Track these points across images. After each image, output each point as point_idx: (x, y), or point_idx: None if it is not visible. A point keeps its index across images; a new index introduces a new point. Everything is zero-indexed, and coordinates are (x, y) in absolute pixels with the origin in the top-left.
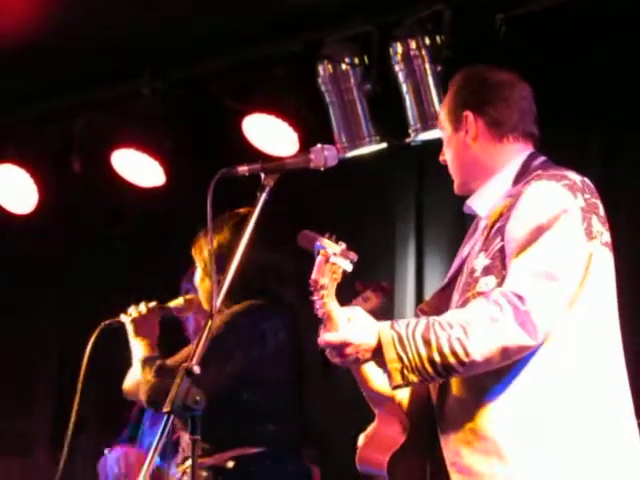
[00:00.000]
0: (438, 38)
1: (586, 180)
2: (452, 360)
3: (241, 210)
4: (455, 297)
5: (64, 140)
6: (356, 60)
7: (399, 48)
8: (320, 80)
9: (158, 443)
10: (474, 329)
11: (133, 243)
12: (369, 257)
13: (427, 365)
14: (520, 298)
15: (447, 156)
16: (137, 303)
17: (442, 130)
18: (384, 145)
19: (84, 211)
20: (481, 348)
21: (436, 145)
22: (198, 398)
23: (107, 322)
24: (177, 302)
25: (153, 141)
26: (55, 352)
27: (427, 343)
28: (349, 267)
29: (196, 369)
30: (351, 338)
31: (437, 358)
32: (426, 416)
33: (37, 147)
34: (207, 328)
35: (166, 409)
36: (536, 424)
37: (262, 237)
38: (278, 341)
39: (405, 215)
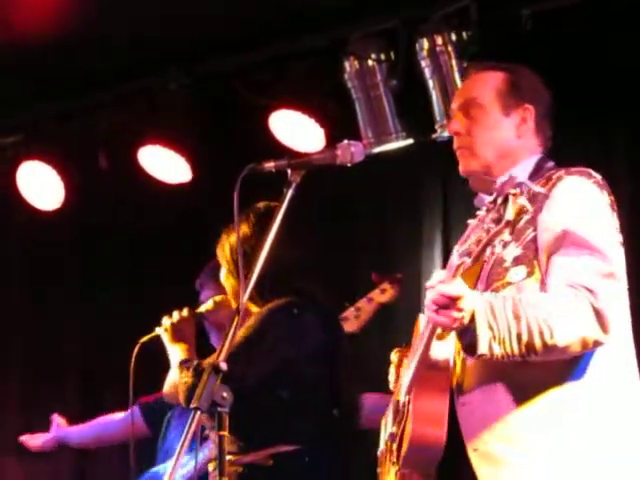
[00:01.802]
0: (464, 34)
1: (604, 180)
2: (537, 340)
3: (260, 205)
4: (478, 285)
5: (91, 136)
6: (382, 56)
7: (425, 44)
8: (346, 76)
9: (185, 440)
10: (560, 315)
11: (159, 239)
12: (396, 252)
13: (514, 339)
14: (593, 293)
15: (478, 134)
16: (170, 313)
17: (474, 106)
18: (410, 141)
19: (110, 207)
20: (565, 334)
21: None
22: (225, 395)
23: (144, 339)
24: (207, 306)
25: (180, 137)
26: (81, 346)
27: (517, 318)
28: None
29: (223, 366)
30: (466, 293)
31: (524, 335)
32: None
33: (64, 144)
34: (234, 325)
35: (193, 405)
36: (562, 417)
37: (289, 234)
38: (316, 338)
39: (431, 210)
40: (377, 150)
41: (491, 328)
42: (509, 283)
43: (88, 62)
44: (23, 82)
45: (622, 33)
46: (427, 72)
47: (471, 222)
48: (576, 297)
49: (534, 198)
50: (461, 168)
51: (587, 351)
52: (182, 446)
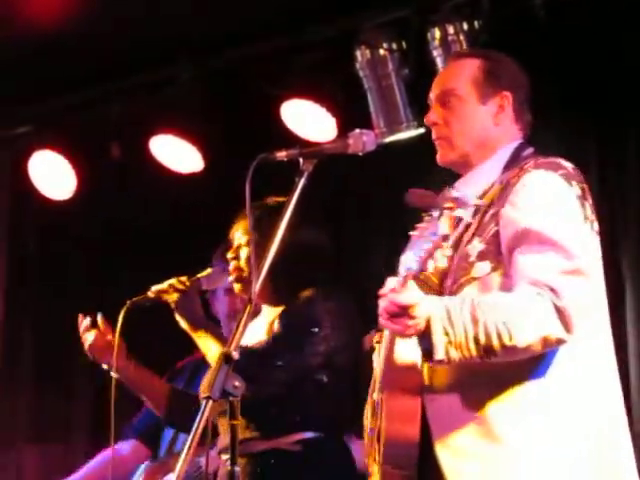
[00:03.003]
0: (476, 23)
1: (577, 168)
2: (495, 342)
3: (270, 200)
4: (448, 279)
5: (102, 126)
6: (394, 45)
7: (437, 33)
8: (358, 65)
9: (197, 429)
10: (519, 315)
11: (171, 229)
12: (404, 244)
13: (471, 344)
14: (554, 292)
15: (454, 125)
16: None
17: (450, 96)
18: (422, 130)
19: (122, 197)
20: (524, 335)
21: None
22: (237, 383)
23: (134, 299)
24: (205, 272)
25: (191, 127)
26: None
27: (475, 322)
28: (469, 218)
29: (235, 355)
30: (419, 300)
31: (482, 338)
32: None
33: (76, 134)
34: (246, 313)
35: (204, 395)
36: (533, 409)
37: (305, 223)
38: (353, 326)
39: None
40: (389, 139)
41: (447, 333)
42: (474, 278)
43: (100, 52)
44: (35, 72)
45: (635, 23)
46: (439, 61)
47: (412, 234)
48: (538, 296)
49: (504, 190)
50: (439, 159)
51: (550, 349)
52: (194, 437)
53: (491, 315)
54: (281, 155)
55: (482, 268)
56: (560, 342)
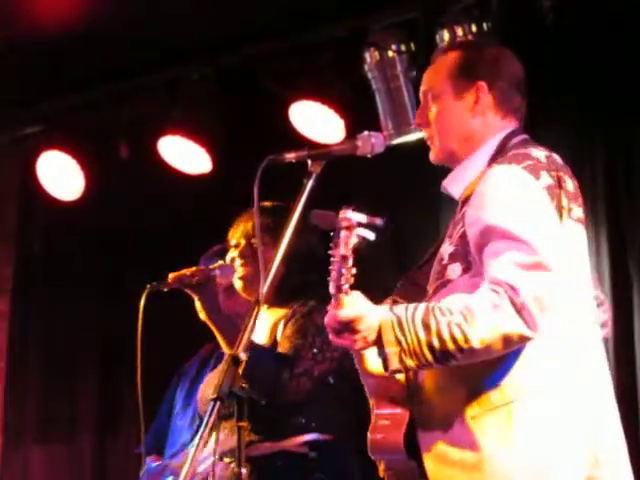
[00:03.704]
0: (485, 25)
1: (553, 155)
2: (451, 346)
3: (267, 203)
4: (429, 284)
5: (110, 127)
6: (403, 47)
7: (446, 35)
8: (366, 67)
9: (204, 431)
10: (474, 316)
11: (178, 230)
12: (411, 246)
13: (426, 350)
14: (514, 289)
15: (435, 124)
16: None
17: (430, 96)
18: None
19: (130, 198)
20: (481, 335)
21: None
22: (244, 385)
23: (154, 284)
24: (216, 264)
25: (200, 128)
26: (100, 338)
27: (427, 328)
28: (372, 237)
29: (242, 356)
30: (363, 313)
31: (436, 343)
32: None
33: (84, 134)
34: (253, 316)
35: (212, 396)
36: (512, 414)
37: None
38: None
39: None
40: (397, 141)
41: (399, 342)
42: (449, 281)
43: (109, 53)
44: (44, 72)
45: None
46: None
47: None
48: (494, 294)
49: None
50: (430, 158)
51: (515, 347)
52: (202, 439)
53: (444, 319)
54: (289, 156)
55: (454, 270)
56: (523, 339)
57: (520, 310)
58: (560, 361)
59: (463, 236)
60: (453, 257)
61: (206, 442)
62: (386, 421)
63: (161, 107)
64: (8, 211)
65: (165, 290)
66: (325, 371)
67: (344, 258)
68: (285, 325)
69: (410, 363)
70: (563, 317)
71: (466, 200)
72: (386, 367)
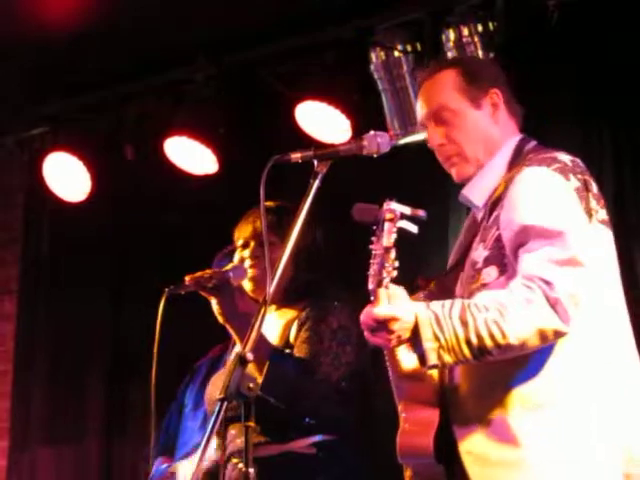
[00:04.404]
0: (491, 25)
1: (577, 160)
2: (489, 342)
3: (271, 203)
4: (458, 289)
5: (117, 128)
6: (409, 47)
7: (451, 35)
8: (372, 67)
9: (212, 431)
10: (510, 312)
11: (185, 231)
12: (421, 247)
13: (463, 346)
14: (548, 284)
15: (462, 139)
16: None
17: (445, 114)
18: None
19: (136, 199)
20: (518, 331)
21: None
22: (252, 385)
23: (172, 288)
24: (231, 266)
25: (206, 128)
26: (108, 339)
27: (464, 324)
28: (415, 229)
29: (249, 356)
30: (398, 313)
31: (474, 339)
32: (441, 399)
33: (90, 135)
34: (260, 315)
35: (219, 396)
36: (551, 412)
37: (317, 227)
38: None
39: (457, 205)
40: (403, 141)
41: (437, 338)
42: (483, 285)
43: (115, 54)
44: (50, 73)
45: None
46: None
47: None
48: (528, 290)
49: (506, 190)
50: (456, 176)
51: (550, 342)
52: (209, 439)
53: (481, 315)
54: (295, 156)
55: (489, 273)
56: (558, 334)
57: (554, 305)
58: (594, 358)
59: (498, 239)
60: (488, 261)
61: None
62: (415, 425)
63: (167, 108)
64: (14, 212)
65: (182, 293)
66: (341, 376)
67: (387, 250)
68: (299, 328)
69: (448, 359)
70: (596, 314)
71: (494, 205)
72: (423, 363)
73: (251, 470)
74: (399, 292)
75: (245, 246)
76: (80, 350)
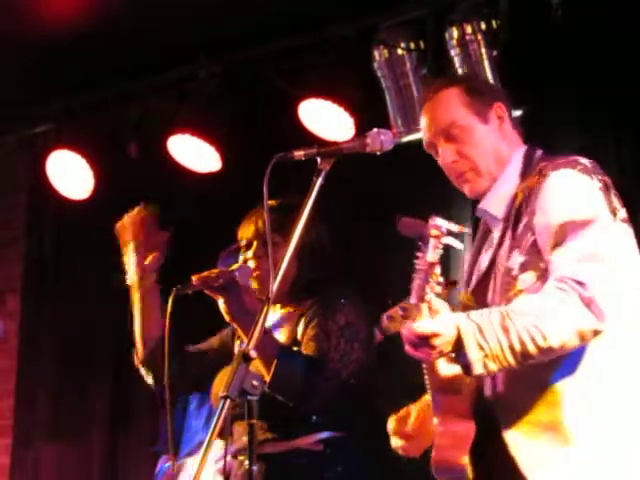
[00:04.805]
0: (494, 22)
1: (594, 162)
2: (531, 346)
3: (274, 202)
4: (489, 297)
5: (120, 126)
6: (412, 45)
7: (455, 33)
8: (376, 65)
9: (214, 429)
10: (548, 315)
11: (189, 228)
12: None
13: (507, 353)
14: (581, 284)
15: (475, 154)
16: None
17: (455, 130)
18: None
19: (140, 196)
20: (557, 333)
21: None
22: (255, 383)
23: (179, 287)
24: (237, 266)
25: (209, 126)
26: (111, 336)
27: (506, 331)
28: (461, 246)
29: (253, 354)
30: (439, 329)
31: (517, 345)
32: (479, 409)
33: (93, 133)
34: (263, 313)
35: (222, 394)
36: (602, 408)
37: (321, 225)
38: (371, 328)
39: (460, 202)
40: (407, 139)
41: (482, 348)
42: (521, 291)
43: (119, 52)
44: (53, 72)
45: None
46: (457, 61)
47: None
48: (563, 292)
49: (528, 198)
50: (470, 192)
51: (588, 341)
52: (211, 437)
53: (521, 321)
54: (299, 154)
55: (526, 279)
56: (596, 333)
57: (589, 304)
58: (632, 351)
59: (534, 244)
60: (524, 267)
61: (216, 440)
62: (449, 440)
63: (170, 106)
64: (18, 210)
65: (190, 292)
66: (350, 374)
67: (432, 266)
68: (306, 326)
69: (492, 367)
70: (628, 309)
71: (519, 213)
72: (469, 373)
73: (255, 467)
74: (441, 306)
75: (248, 246)
76: (83, 348)
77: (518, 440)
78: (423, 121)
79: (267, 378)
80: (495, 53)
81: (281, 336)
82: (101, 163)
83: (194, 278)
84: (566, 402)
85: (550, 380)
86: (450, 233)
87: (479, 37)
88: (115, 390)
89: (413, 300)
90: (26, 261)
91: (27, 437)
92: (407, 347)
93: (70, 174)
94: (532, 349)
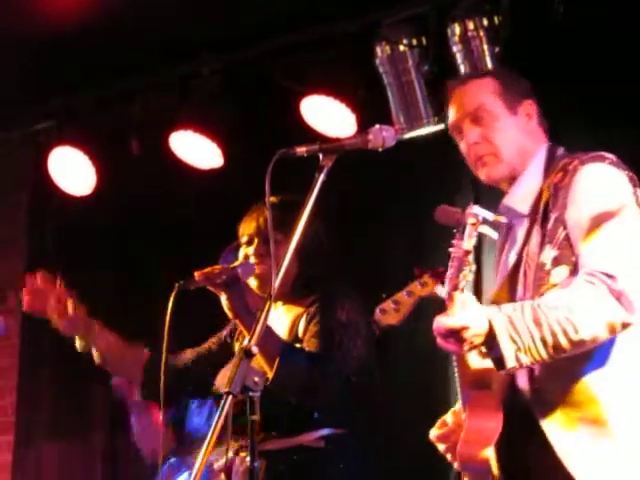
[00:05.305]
0: (496, 19)
1: (618, 158)
2: (563, 340)
3: (275, 199)
4: (520, 293)
5: (122, 122)
6: (414, 41)
7: (457, 29)
8: (378, 61)
9: (217, 425)
10: (579, 308)
11: (191, 225)
12: (426, 241)
13: (539, 346)
14: (611, 277)
15: (499, 140)
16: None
17: (483, 113)
18: (442, 126)
19: (142, 193)
20: (589, 326)
21: None
22: (257, 379)
23: (182, 282)
24: (238, 262)
25: (211, 123)
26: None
27: (538, 324)
28: (496, 235)
29: (255, 350)
30: (470, 322)
31: (549, 338)
32: (513, 404)
33: (95, 130)
34: (266, 309)
35: (225, 390)
36: (637, 400)
37: (320, 222)
38: (370, 325)
39: (462, 198)
40: (408, 135)
41: (514, 341)
42: (554, 285)
43: (120, 48)
44: (55, 68)
45: None
46: (459, 57)
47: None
48: (593, 285)
49: (555, 194)
50: (486, 176)
51: (619, 333)
52: (213, 434)
53: (552, 314)
54: (301, 150)
55: (560, 273)
56: (626, 325)
57: (619, 297)
58: None
59: (566, 238)
60: (557, 261)
61: (218, 437)
62: (476, 435)
63: (172, 102)
64: (19, 207)
65: (192, 288)
66: (352, 370)
67: (466, 254)
68: (308, 323)
69: (525, 360)
70: None
71: (546, 210)
72: (501, 366)
73: (256, 464)
74: (469, 298)
75: (249, 243)
76: None
77: (556, 433)
78: (452, 106)
79: (270, 375)
80: (497, 49)
81: (282, 334)
82: (103, 160)
83: (196, 274)
84: (600, 395)
85: (583, 373)
86: (486, 222)
87: (481, 33)
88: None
89: (447, 288)
90: (28, 258)
91: (28, 435)
92: (438, 339)
93: (72, 171)
94: (564, 342)
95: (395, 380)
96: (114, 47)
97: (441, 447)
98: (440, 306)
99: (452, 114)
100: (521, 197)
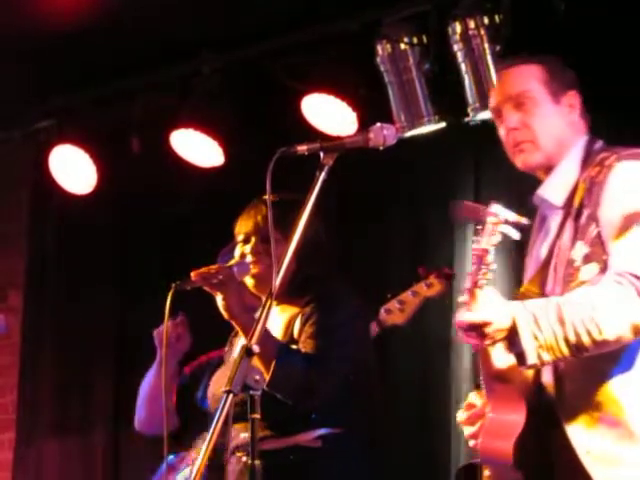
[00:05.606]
0: (497, 17)
1: None
2: (586, 339)
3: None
4: (549, 287)
5: (123, 121)
6: (415, 39)
7: (458, 27)
8: (379, 59)
9: (217, 423)
10: (604, 308)
11: (192, 223)
12: (427, 240)
13: (562, 344)
14: (638, 278)
15: (539, 127)
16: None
17: (526, 99)
18: (443, 124)
19: (143, 191)
20: (613, 326)
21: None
22: (258, 378)
23: (178, 283)
24: (234, 261)
25: (212, 121)
26: (114, 332)
27: (561, 322)
28: (517, 235)
29: (255, 348)
30: (492, 318)
31: (572, 337)
32: (538, 399)
33: (96, 128)
34: (266, 308)
35: (225, 388)
36: None
37: (319, 221)
38: (368, 324)
39: (463, 196)
40: (409, 134)
41: (536, 338)
42: (583, 282)
43: (121, 47)
44: (56, 67)
45: None
46: (459, 56)
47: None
48: (620, 286)
49: (590, 189)
50: (522, 163)
51: None
52: (214, 432)
53: (577, 313)
54: (302, 149)
55: (590, 270)
56: None
57: None
58: None
59: (598, 236)
60: (588, 258)
61: (218, 436)
62: (498, 429)
63: (173, 101)
64: (20, 205)
65: (189, 289)
66: (349, 370)
67: (485, 252)
68: (304, 323)
69: (546, 357)
70: None
71: (581, 205)
72: (523, 362)
73: (257, 462)
74: (492, 294)
75: (246, 241)
76: (86, 343)
77: (576, 431)
78: (496, 88)
79: (266, 376)
80: (498, 48)
81: (277, 335)
82: (103, 158)
83: (193, 274)
84: (622, 398)
85: (608, 374)
86: (507, 222)
87: (482, 32)
88: (117, 386)
89: (468, 285)
90: (29, 257)
91: (29, 433)
92: (459, 334)
93: (72, 169)
94: (587, 341)
95: (395, 380)
96: (114, 46)
97: (467, 431)
98: (443, 308)
99: (494, 97)
100: (556, 188)
